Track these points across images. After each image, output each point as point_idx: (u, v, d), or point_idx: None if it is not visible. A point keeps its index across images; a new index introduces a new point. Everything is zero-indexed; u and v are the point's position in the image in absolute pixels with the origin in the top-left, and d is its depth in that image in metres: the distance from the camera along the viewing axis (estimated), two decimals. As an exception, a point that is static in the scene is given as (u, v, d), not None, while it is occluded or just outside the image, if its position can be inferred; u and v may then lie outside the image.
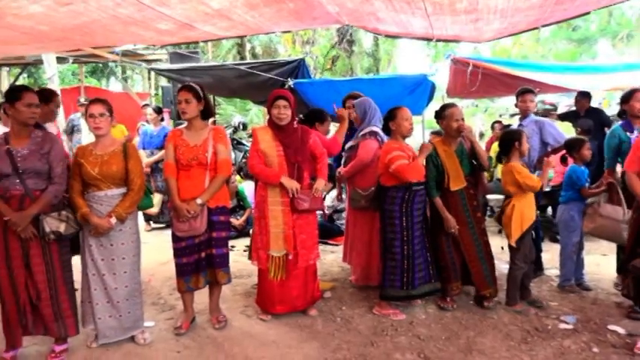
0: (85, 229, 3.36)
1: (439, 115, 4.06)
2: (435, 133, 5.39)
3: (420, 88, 6.46)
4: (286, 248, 3.79)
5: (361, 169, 4.33)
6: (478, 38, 5.31)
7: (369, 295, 4.34)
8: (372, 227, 4.31)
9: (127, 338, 3.52)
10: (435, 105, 8.25)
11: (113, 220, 3.31)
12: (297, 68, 7.25)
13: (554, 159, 4.74)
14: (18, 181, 3.13)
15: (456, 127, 3.95)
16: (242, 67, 7.34)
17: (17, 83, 13.49)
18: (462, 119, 3.97)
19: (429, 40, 5.39)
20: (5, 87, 14.23)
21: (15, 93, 3.18)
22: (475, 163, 4.07)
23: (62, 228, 3.18)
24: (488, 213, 6.97)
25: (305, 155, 3.83)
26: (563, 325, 3.74)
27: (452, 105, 4.10)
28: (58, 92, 9.30)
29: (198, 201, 3.47)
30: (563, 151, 4.62)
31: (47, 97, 3.89)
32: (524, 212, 3.97)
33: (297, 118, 3.96)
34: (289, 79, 7.05)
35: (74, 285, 3.41)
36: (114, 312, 3.43)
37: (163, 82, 11.82)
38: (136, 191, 3.40)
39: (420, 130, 8.52)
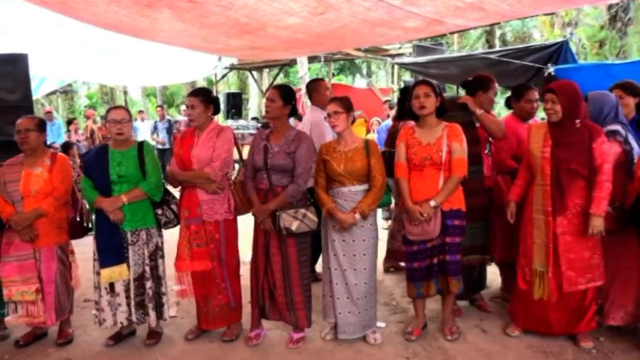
0: (329, 224, 3.61)
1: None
2: None
3: None
4: (546, 264, 3.50)
5: None
6: None
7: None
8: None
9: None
10: None
11: (357, 215, 3.48)
12: (559, 53, 6.61)
13: None
14: (266, 175, 3.54)
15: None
16: (492, 56, 7.05)
17: (275, 82, 15.47)
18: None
19: None
20: (265, 86, 16.42)
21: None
22: None
23: (294, 226, 3.45)
24: None
25: (581, 161, 3.36)
26: None
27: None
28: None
29: (432, 203, 3.41)
30: None
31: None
32: None
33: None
34: (549, 65, 6.47)
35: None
36: (353, 308, 3.62)
37: (406, 77, 12.14)
38: (379, 188, 3.53)
39: None
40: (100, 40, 8.28)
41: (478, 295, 4.25)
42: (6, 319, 3.73)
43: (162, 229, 3.75)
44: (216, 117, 3.90)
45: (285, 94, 3.60)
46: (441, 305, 3.81)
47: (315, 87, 4.82)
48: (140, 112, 14.33)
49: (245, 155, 3.91)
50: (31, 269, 3.55)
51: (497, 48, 14.88)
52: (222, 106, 13.25)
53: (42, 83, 11.34)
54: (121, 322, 3.63)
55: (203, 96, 3.65)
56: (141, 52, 8.55)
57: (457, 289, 3.58)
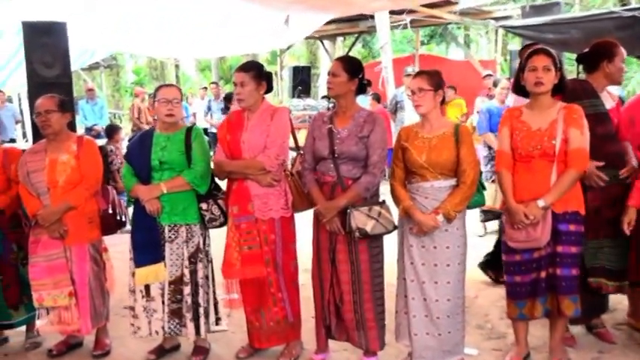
0: (406, 226, 3.53)
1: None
2: None
3: None
4: None
5: None
6: None
7: None
8: None
9: (442, 364, 3.61)
10: None
11: (440, 217, 3.38)
12: None
13: None
14: (332, 166, 3.50)
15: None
16: (626, 14, 6.83)
17: (351, 53, 15.42)
18: None
19: None
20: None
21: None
22: None
23: (369, 226, 3.39)
24: None
25: None
26: None
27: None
28: (390, 62, 10.20)
29: (540, 203, 3.27)
30: None
31: None
32: None
33: None
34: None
35: None
36: (432, 329, 3.52)
37: (514, 45, 11.73)
38: (469, 185, 3.41)
39: None
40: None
41: (598, 320, 4.04)
42: (37, 325, 3.90)
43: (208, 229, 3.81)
44: (277, 96, 3.90)
45: (350, 67, 3.54)
46: (548, 330, 3.66)
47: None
48: (204, 88, 14.84)
49: (301, 142, 3.89)
50: (63, 270, 3.70)
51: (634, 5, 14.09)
52: (287, 83, 13.52)
53: (91, 57, 11.88)
54: (156, 332, 3.73)
55: (254, 71, 3.68)
56: (196, 18, 8.77)
57: (571, 312, 3.42)
